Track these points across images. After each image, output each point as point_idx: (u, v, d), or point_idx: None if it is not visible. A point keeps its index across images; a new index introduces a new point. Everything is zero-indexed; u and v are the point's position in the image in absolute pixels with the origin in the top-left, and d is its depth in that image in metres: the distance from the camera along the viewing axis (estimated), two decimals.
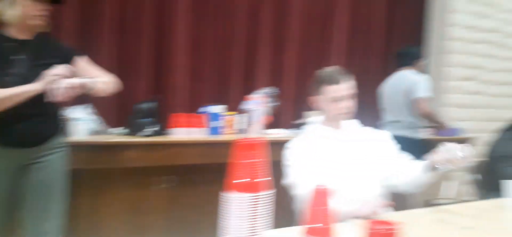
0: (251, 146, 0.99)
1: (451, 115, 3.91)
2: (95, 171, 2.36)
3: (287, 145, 1.82)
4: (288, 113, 3.41)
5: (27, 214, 1.74)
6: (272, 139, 2.79)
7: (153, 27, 2.99)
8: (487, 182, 2.48)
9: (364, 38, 3.87)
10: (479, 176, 2.60)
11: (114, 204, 2.49)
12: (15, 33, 1.69)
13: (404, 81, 3.15)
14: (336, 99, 1.73)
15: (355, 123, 1.88)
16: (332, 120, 1.80)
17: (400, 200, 1.86)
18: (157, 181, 2.60)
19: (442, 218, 1.55)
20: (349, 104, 1.75)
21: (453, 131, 3.61)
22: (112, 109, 2.78)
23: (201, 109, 2.94)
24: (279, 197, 1.19)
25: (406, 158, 1.80)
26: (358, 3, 3.81)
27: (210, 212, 1.45)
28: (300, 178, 1.70)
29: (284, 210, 1.59)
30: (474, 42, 4.09)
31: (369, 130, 1.90)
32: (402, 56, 3.30)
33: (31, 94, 1.59)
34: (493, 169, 2.37)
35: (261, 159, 1.00)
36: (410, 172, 1.72)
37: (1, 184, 1.68)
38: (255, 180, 0.98)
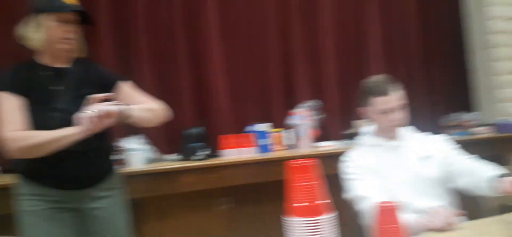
0: (306, 168, 0.96)
1: (508, 111, 3.75)
2: (155, 198, 2.38)
3: (343, 157, 1.77)
4: (335, 124, 3.36)
5: None
6: (323, 152, 2.74)
7: (190, 55, 3.04)
8: None
9: (400, 42, 3.80)
10: None
11: (178, 229, 2.52)
12: (49, 60, 1.54)
13: None
14: (386, 111, 1.67)
15: (410, 130, 1.81)
16: (386, 132, 1.74)
17: (473, 206, 1.76)
18: (216, 203, 2.60)
19: None
20: (400, 116, 1.69)
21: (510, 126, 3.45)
22: (161, 137, 2.81)
23: (247, 128, 2.93)
24: (341, 213, 1.15)
25: (469, 158, 1.71)
26: (388, 8, 3.76)
27: (269, 229, 1.41)
28: (364, 192, 1.64)
29: (347, 226, 1.52)
30: None
31: (425, 135, 1.82)
32: None
33: (74, 139, 1.41)
34: None
35: (318, 181, 0.96)
36: (476, 172, 1.60)
37: (51, 231, 1.49)
38: (314, 203, 0.94)
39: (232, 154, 2.69)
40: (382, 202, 1.09)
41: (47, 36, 1.48)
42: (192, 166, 2.47)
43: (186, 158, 2.59)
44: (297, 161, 0.96)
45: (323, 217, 0.94)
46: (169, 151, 2.78)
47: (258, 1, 3.28)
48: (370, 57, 3.65)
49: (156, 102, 1.67)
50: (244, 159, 2.61)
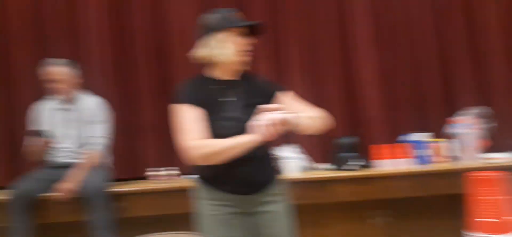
0: (492, 181, 0.82)
1: None
2: (308, 206, 2.42)
3: None
4: (506, 134, 2.93)
5: None
6: (494, 164, 2.42)
7: (340, 65, 3.03)
8: None
9: None
10: None
11: None
12: (220, 74, 1.64)
13: None
14: None
15: None
16: None
17: None
18: (371, 215, 2.52)
19: None
20: None
21: None
22: (314, 147, 2.86)
23: (401, 138, 2.77)
24: None
25: None
26: None
27: None
28: None
29: None
30: None
31: None
32: None
33: (248, 146, 1.49)
34: None
35: (505, 195, 0.81)
36: None
37: (228, 235, 1.61)
38: (502, 219, 0.80)
39: (386, 165, 2.58)
40: None
41: (232, 51, 1.59)
42: (346, 176, 2.45)
43: (339, 168, 2.58)
44: (481, 173, 0.87)
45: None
46: (322, 160, 2.81)
47: (411, 1, 3.10)
48: None
49: (317, 110, 1.70)
50: (401, 171, 2.47)
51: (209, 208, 1.63)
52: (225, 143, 1.52)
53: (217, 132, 1.56)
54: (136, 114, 2.89)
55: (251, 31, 1.67)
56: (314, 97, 2.94)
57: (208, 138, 1.57)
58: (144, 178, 2.73)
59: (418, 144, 2.67)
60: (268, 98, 1.62)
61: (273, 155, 1.75)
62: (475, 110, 2.75)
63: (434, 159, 2.65)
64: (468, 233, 0.88)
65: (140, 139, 2.88)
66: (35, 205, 2.27)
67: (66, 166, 2.36)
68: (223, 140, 1.53)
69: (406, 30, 3.11)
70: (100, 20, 2.90)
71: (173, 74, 2.92)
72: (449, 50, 3.11)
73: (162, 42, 2.96)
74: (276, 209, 1.67)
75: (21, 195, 2.24)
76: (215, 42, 1.61)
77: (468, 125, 2.66)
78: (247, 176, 1.60)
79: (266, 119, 1.41)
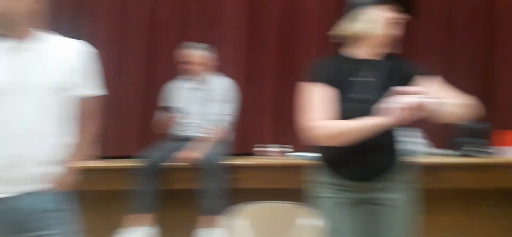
0: None
1: None
2: (425, 192, 2.34)
3: None
4: None
5: None
6: None
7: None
8: None
9: None
10: None
11: (446, 225, 2.43)
12: (363, 53, 1.57)
13: None
14: None
15: None
16: None
17: None
18: (489, 204, 2.36)
19: None
20: None
21: None
22: (438, 131, 2.71)
23: None
24: None
25: None
26: None
27: None
28: None
29: None
30: None
31: None
32: None
33: (378, 129, 1.41)
34: None
35: None
36: None
37: (346, 219, 1.57)
38: None
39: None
40: None
41: (381, 25, 1.51)
42: (466, 162, 2.33)
43: (461, 154, 2.46)
44: None
45: None
46: (442, 145, 2.67)
47: None
48: None
49: (466, 97, 1.53)
50: None
51: (328, 191, 1.60)
52: (351, 123, 1.45)
53: (348, 113, 1.49)
54: (259, 94, 3.02)
55: (402, 8, 1.56)
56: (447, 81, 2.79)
57: (336, 119, 1.51)
58: (253, 154, 2.87)
59: None
60: (409, 82, 1.51)
61: (398, 140, 1.65)
62: None
63: None
64: None
65: (257, 117, 3.00)
66: (160, 173, 2.49)
67: (190, 139, 2.55)
68: (351, 121, 1.45)
69: None
70: (239, 8, 3.08)
71: (298, 57, 3.01)
72: None
73: (291, 27, 3.07)
74: (398, 198, 1.59)
75: (149, 163, 2.47)
76: (365, 16, 1.53)
77: None
78: (370, 161, 1.54)
79: (401, 102, 1.30)
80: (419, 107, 1.31)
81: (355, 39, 1.57)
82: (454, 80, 2.62)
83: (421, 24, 2.78)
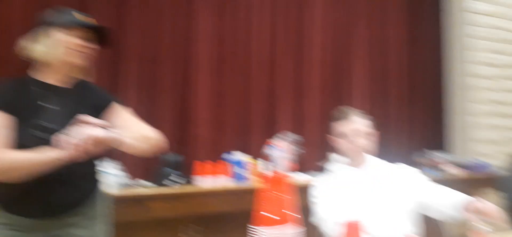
0: (278, 180, 0.99)
1: (480, 151, 3.81)
2: (124, 224, 2.38)
3: (313, 182, 1.82)
4: (313, 159, 3.39)
5: None
6: (298, 183, 2.77)
7: (177, 85, 3.10)
8: None
9: (384, 81, 3.89)
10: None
11: None
12: (48, 77, 1.46)
13: None
14: (347, 135, 1.74)
15: (378, 160, 1.86)
16: (351, 157, 1.79)
17: (436, 235, 1.78)
18: (185, 230, 2.59)
19: None
20: (364, 142, 1.74)
21: (482, 167, 3.50)
22: (137, 162, 2.83)
23: (224, 156, 2.97)
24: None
25: (439, 187, 1.72)
26: (375, 48, 3.87)
27: None
28: (327, 214, 1.69)
29: None
30: (498, 77, 4.06)
31: (395, 166, 1.87)
32: None
33: (54, 164, 1.29)
34: None
35: (288, 194, 0.99)
36: (444, 197, 1.63)
37: None
38: (282, 214, 0.97)
39: (207, 182, 2.71)
40: (349, 221, 1.12)
41: (62, 50, 1.41)
42: (163, 192, 2.48)
43: (159, 185, 2.61)
44: (271, 172, 0.99)
45: (290, 228, 0.96)
46: (143, 176, 2.77)
47: (248, 35, 3.36)
48: (354, 96, 3.73)
49: (152, 130, 1.53)
50: (217, 188, 2.63)
51: (4, 233, 1.38)
52: (25, 156, 1.30)
53: (25, 142, 1.33)
54: None
55: (95, 37, 1.50)
56: (147, 115, 2.94)
57: (12, 148, 1.33)
58: None
59: (237, 163, 2.89)
60: (98, 111, 1.45)
61: (92, 172, 1.56)
62: (287, 135, 3.12)
63: (249, 177, 2.90)
64: (252, 227, 1.00)
65: None
66: None
67: None
68: (23, 153, 1.31)
69: (245, 60, 3.35)
70: None
71: None
72: (275, 82, 3.46)
73: None
74: (90, 233, 1.51)
75: None
76: (45, 38, 1.41)
77: (280, 148, 3.00)
78: (51, 197, 1.39)
79: (79, 134, 1.22)
80: (97, 140, 1.24)
81: (40, 62, 1.44)
82: (156, 116, 2.96)
83: (125, 58, 2.91)
